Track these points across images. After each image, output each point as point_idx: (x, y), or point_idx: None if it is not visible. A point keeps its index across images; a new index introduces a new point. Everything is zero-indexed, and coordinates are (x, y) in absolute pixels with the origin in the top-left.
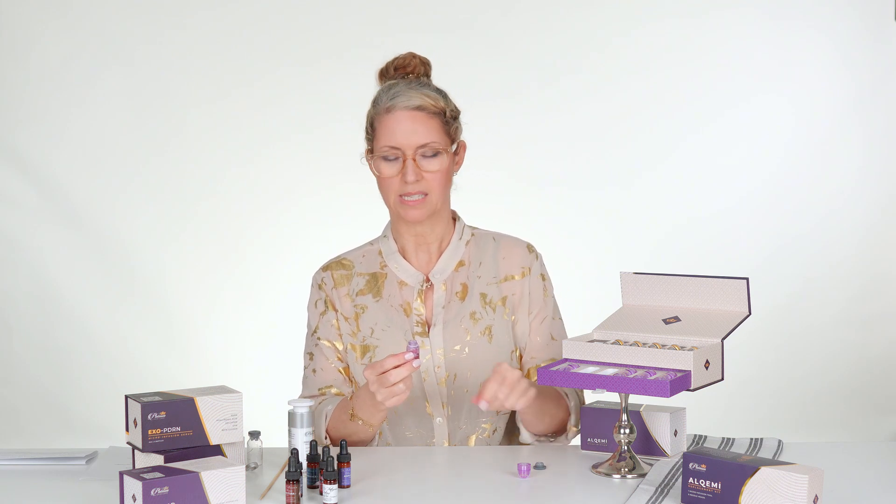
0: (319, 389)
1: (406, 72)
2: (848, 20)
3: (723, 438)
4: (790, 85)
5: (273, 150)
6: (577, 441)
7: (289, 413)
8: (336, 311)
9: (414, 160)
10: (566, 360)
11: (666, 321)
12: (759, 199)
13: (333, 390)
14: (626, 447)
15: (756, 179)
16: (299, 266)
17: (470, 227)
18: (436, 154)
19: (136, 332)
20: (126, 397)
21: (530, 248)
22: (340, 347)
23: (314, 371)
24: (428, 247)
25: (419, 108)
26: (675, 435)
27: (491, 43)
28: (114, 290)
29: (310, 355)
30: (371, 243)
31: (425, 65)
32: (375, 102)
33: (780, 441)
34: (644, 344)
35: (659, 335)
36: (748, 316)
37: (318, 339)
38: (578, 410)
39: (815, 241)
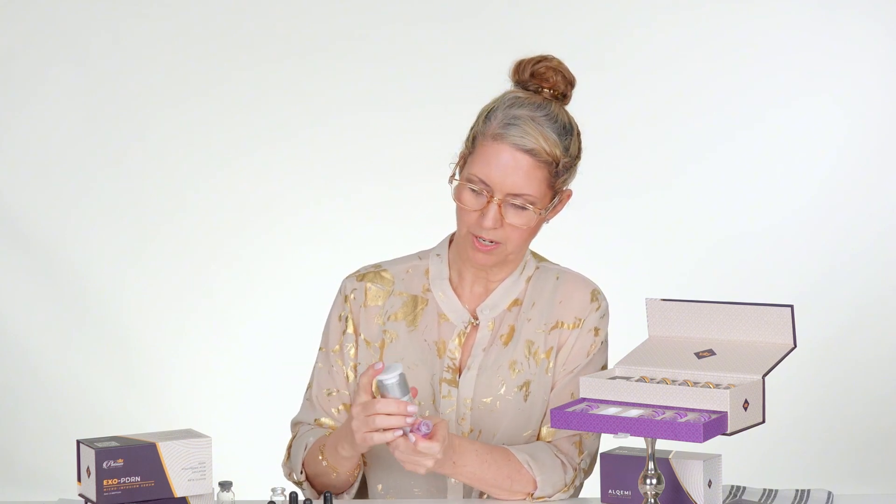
0: (317, 420)
1: (541, 85)
2: None
3: (764, 490)
4: (842, 84)
5: (248, 160)
6: (595, 492)
7: None
8: (358, 335)
9: (499, 205)
10: (584, 399)
11: (699, 355)
12: (805, 215)
13: (328, 421)
14: (652, 500)
15: (802, 193)
16: (278, 293)
17: (537, 258)
18: (525, 208)
19: (89, 368)
20: (78, 442)
21: (595, 294)
22: (352, 378)
23: (329, 393)
24: (487, 284)
25: (530, 153)
26: (710, 486)
27: (497, 35)
28: (64, 320)
29: (318, 371)
30: (419, 257)
31: (568, 84)
32: (489, 116)
33: (829, 493)
34: (673, 381)
35: (690, 371)
36: (793, 349)
37: (332, 362)
38: (569, 478)
39: (869, 264)
